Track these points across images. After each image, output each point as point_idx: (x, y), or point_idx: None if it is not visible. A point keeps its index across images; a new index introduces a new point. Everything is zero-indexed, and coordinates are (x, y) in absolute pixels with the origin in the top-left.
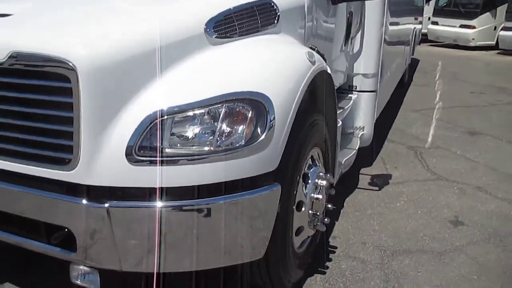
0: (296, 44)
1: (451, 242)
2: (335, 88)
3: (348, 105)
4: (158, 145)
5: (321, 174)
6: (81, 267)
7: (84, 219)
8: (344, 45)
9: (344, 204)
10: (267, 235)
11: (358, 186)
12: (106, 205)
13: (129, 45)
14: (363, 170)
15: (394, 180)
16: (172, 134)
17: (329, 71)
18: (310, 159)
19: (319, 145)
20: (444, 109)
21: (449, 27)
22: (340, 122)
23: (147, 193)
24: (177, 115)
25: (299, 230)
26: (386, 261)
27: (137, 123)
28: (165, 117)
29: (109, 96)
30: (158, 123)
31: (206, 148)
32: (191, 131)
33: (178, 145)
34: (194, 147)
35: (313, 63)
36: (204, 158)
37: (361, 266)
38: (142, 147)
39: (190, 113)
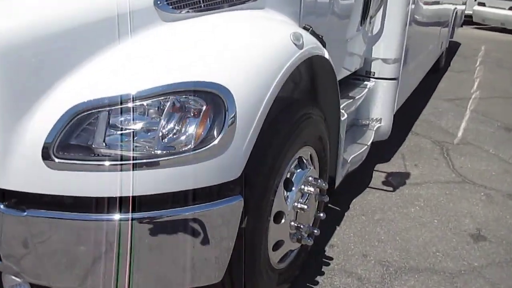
0: (283, 23)
1: (468, 261)
2: (349, 73)
3: (362, 94)
4: (84, 144)
5: (310, 179)
6: (12, 277)
7: (3, 226)
8: (361, 25)
9: (350, 206)
10: (226, 255)
11: (369, 185)
12: (25, 213)
13: (54, 20)
14: (378, 166)
15: (412, 180)
16: (103, 131)
17: (327, 56)
18: (297, 161)
19: (312, 144)
20: (481, 99)
21: (497, 9)
22: (346, 115)
23: (72, 203)
24: (110, 107)
25: (278, 244)
26: (388, 280)
27: (59, 115)
28: (94, 109)
29: (24, 81)
30: (85, 116)
31: (145, 150)
32: (127, 129)
33: (110, 145)
34: (130, 149)
35: (300, 46)
36: (142, 162)
37: (356, 284)
38: (64, 146)
39: (127, 106)
